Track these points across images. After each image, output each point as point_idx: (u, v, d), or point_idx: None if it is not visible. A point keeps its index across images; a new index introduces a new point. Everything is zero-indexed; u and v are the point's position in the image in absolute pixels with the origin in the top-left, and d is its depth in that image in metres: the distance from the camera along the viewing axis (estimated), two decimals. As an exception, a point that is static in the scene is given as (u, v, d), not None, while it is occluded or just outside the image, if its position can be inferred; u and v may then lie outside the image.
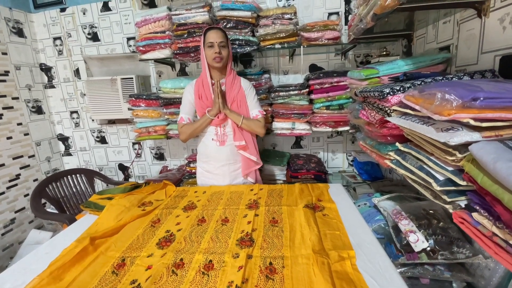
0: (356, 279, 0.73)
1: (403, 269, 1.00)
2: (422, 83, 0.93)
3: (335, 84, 1.66)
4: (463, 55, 1.09)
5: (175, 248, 0.90)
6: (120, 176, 2.52)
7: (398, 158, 0.90)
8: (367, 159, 2.01)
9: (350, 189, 1.90)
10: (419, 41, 1.47)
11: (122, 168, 2.51)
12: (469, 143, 0.61)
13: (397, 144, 0.91)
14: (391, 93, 0.92)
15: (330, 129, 1.75)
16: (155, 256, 0.87)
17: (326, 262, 0.78)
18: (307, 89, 1.73)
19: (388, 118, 0.91)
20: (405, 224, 1.04)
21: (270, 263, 0.80)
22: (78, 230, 1.06)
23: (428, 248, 0.95)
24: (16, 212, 2.02)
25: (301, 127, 1.78)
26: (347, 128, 1.73)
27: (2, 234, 1.91)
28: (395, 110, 0.90)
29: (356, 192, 1.73)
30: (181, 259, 0.84)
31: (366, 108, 1.11)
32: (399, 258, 0.99)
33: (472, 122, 0.61)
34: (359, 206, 1.40)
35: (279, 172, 1.98)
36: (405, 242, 1.01)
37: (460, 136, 0.62)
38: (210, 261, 0.83)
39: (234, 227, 1.01)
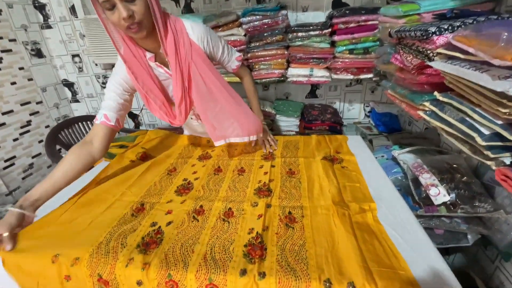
0: (377, 230, 0.72)
1: (418, 220, 1.00)
2: (475, 22, 0.78)
3: (362, 23, 1.47)
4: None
5: (194, 196, 0.90)
6: (130, 124, 2.50)
7: (434, 109, 0.82)
8: (386, 110, 1.91)
9: (366, 141, 1.85)
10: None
11: (132, 115, 2.47)
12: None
13: (435, 93, 0.81)
14: (438, 32, 0.79)
15: (352, 77, 1.61)
16: (174, 202, 0.87)
17: (347, 213, 0.77)
18: (330, 29, 1.54)
19: (430, 63, 0.79)
20: (426, 178, 1.01)
21: (289, 213, 0.80)
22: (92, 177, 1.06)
23: (449, 202, 0.94)
24: (33, 157, 2.07)
25: (319, 74, 1.64)
26: (370, 75, 1.59)
27: (23, 178, 1.99)
28: (440, 54, 0.78)
29: (372, 145, 1.68)
30: (201, 206, 0.85)
31: (401, 51, 0.98)
32: (417, 210, 0.98)
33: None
34: (376, 158, 1.37)
35: (292, 123, 1.92)
36: (424, 195, 1.00)
37: (525, 84, 0.53)
38: (230, 208, 0.83)
39: (251, 177, 1.00)
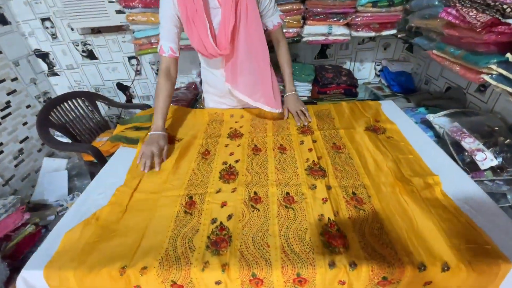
0: (449, 205, 0.70)
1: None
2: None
3: (391, -30, 1.30)
4: None
5: (242, 182, 0.83)
6: (121, 97, 2.27)
7: (504, 72, 0.76)
8: (400, 69, 1.84)
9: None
10: None
11: (122, 88, 2.23)
12: None
13: (508, 55, 0.74)
14: (520, -18, 0.69)
15: (373, 34, 1.49)
16: (224, 191, 0.81)
17: (415, 190, 0.74)
18: (353, -21, 1.36)
19: (507, 20, 0.71)
20: (470, 142, 1.00)
21: (354, 193, 0.76)
22: (120, 166, 0.95)
23: (495, 166, 0.94)
24: (20, 142, 1.86)
25: (339, 32, 1.50)
26: (393, 31, 1.48)
27: (15, 166, 1.81)
28: (520, 8, 0.70)
29: (392, 107, 1.63)
30: (255, 193, 0.79)
31: (457, 5, 0.87)
32: (462, 176, 0.98)
33: None
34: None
35: (304, 88, 1.81)
36: (468, 160, 0.99)
37: None
38: (288, 193, 0.78)
39: (295, 155, 0.93)
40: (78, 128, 1.72)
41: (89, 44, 2.02)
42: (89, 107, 1.82)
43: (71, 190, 1.90)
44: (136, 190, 0.83)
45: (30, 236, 1.40)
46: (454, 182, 0.78)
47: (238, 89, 1.07)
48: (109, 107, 2.27)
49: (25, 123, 1.89)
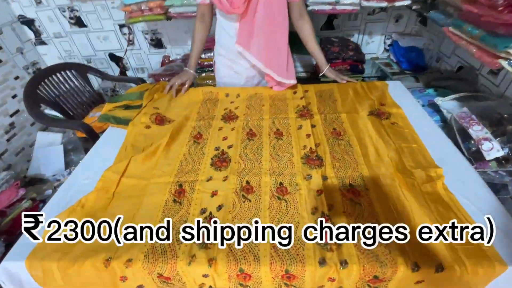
0: (449, 200, 0.67)
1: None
2: None
3: None
4: None
5: (235, 170, 0.79)
6: (115, 69, 2.16)
7: (526, 57, 0.67)
8: (412, 44, 1.71)
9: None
10: None
11: (115, 58, 2.11)
12: None
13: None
14: None
15: (386, 4, 1.35)
16: (215, 180, 0.77)
17: (416, 183, 0.70)
18: None
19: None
20: (478, 130, 0.94)
21: (351, 185, 0.73)
22: (108, 149, 0.91)
23: (501, 157, 0.89)
24: (11, 116, 1.80)
25: (347, 1, 1.36)
26: (407, 2, 1.34)
27: (8, 140, 1.77)
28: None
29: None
30: (247, 182, 0.75)
31: (483, -25, 0.76)
32: (466, 166, 0.94)
33: None
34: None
35: (307, 63, 1.70)
36: (474, 149, 0.94)
37: None
38: (281, 184, 0.74)
39: (292, 141, 0.88)
40: (70, 102, 1.65)
41: (77, 10, 1.87)
42: (81, 80, 1.73)
43: (67, 165, 1.88)
44: (124, 175, 0.79)
45: (27, 211, 1.40)
46: (457, 175, 0.74)
47: (251, 52, 1.06)
48: (102, 80, 2.18)
49: (14, 96, 1.81)
